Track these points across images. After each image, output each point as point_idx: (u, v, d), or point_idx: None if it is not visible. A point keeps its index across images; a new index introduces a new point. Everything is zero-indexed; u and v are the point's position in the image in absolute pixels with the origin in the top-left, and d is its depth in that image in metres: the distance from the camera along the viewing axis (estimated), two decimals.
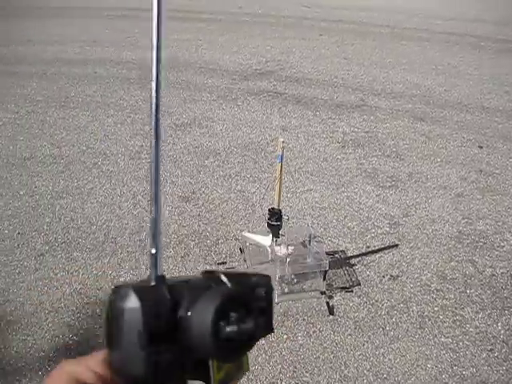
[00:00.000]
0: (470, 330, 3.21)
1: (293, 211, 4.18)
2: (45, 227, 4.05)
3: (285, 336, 3.11)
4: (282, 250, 3.28)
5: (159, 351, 0.58)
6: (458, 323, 3.25)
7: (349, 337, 3.12)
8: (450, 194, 4.62)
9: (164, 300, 0.59)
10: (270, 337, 3.08)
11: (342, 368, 2.92)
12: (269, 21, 10.74)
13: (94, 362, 0.62)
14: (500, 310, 3.36)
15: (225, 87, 6.95)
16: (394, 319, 3.26)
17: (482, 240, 4.04)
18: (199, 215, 4.22)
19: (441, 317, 3.29)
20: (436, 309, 3.35)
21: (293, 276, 3.45)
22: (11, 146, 5.25)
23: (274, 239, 3.31)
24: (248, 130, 5.74)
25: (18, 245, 3.84)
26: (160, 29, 0.62)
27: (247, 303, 0.61)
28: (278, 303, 3.32)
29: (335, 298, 3.40)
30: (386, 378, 2.86)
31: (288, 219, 3.30)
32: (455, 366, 2.96)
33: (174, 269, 3.61)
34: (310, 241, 3.35)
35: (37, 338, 3.02)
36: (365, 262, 3.75)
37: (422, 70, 7.91)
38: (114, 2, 11.95)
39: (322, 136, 5.64)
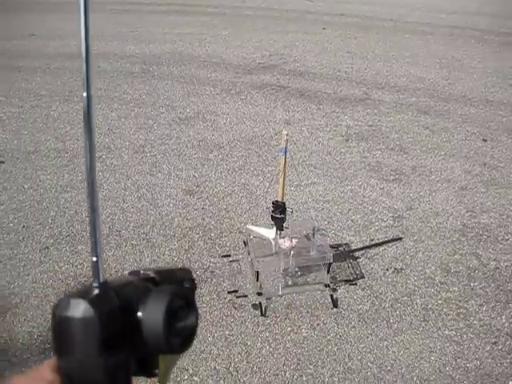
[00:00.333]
0: (474, 322, 3.21)
1: (297, 204, 4.19)
2: (49, 221, 4.06)
3: (289, 328, 3.12)
4: (285, 243, 3.28)
5: (115, 354, 0.59)
6: (461, 316, 3.25)
7: (353, 329, 3.13)
8: (454, 188, 4.62)
9: (114, 305, 0.60)
10: (275, 329, 3.09)
11: (346, 360, 2.93)
12: (272, 15, 10.72)
13: (45, 371, 0.62)
14: (504, 303, 3.36)
15: (228, 81, 6.94)
16: (397, 312, 3.26)
17: (485, 233, 4.04)
18: (203, 208, 4.23)
19: (445, 310, 3.30)
20: (440, 302, 3.36)
21: (297, 269, 3.46)
22: (16, 140, 5.26)
23: (278, 232, 3.31)
24: (252, 123, 5.74)
25: (23, 238, 3.85)
26: (87, 27, 0.63)
27: (189, 298, 0.66)
28: (281, 296, 3.33)
29: (339, 291, 3.41)
30: (389, 370, 2.87)
31: (292, 212, 3.29)
32: (459, 358, 2.96)
33: (178, 262, 3.62)
34: (313, 234, 3.35)
35: (42, 330, 3.03)
36: (369, 255, 3.75)
37: (425, 63, 7.89)
38: None
39: (325, 129, 5.64)
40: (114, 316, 0.59)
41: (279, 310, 3.25)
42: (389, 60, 7.98)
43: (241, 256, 3.69)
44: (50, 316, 0.63)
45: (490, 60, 8.14)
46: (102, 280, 0.63)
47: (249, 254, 3.53)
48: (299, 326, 3.13)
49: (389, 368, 2.88)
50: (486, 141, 5.49)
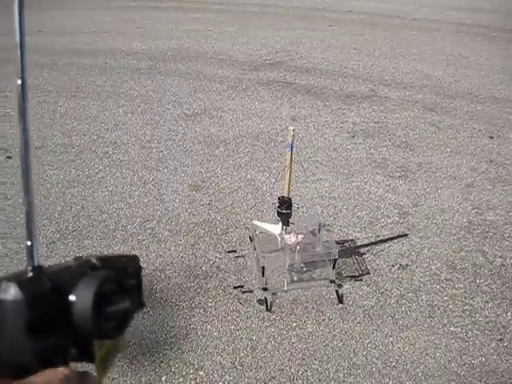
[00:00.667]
0: (480, 319, 3.21)
1: (302, 200, 4.19)
2: (56, 215, 4.08)
3: (294, 324, 3.12)
4: (291, 239, 3.28)
5: (45, 338, 0.59)
6: (467, 313, 3.25)
7: (358, 325, 3.13)
8: (460, 185, 4.61)
9: (45, 289, 0.60)
10: (280, 324, 3.10)
11: (351, 356, 2.93)
12: (278, 11, 10.72)
13: None
14: (510, 299, 3.36)
15: (235, 77, 6.95)
16: (403, 308, 3.27)
17: (491, 230, 4.04)
18: (209, 204, 4.24)
19: (450, 306, 3.30)
20: (445, 298, 3.36)
21: (302, 264, 3.46)
22: None
23: (284, 228, 3.31)
24: (258, 119, 5.74)
25: None
26: (22, 12, 0.64)
27: (122, 283, 0.65)
28: (287, 291, 3.34)
29: (344, 287, 3.41)
30: (394, 366, 2.87)
31: (298, 208, 3.30)
32: (464, 355, 2.96)
33: (184, 257, 3.63)
34: (319, 229, 3.35)
35: None
36: (374, 251, 3.75)
37: (432, 60, 7.88)
38: None
39: (331, 126, 5.64)
40: (43, 299, 0.59)
41: (285, 305, 3.26)
42: (395, 57, 7.97)
43: (247, 251, 3.69)
44: None
45: (497, 57, 8.12)
46: (36, 264, 0.62)
47: (255, 249, 3.53)
48: (304, 322, 3.14)
49: (394, 364, 2.88)
50: (492, 138, 5.48)
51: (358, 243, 3.83)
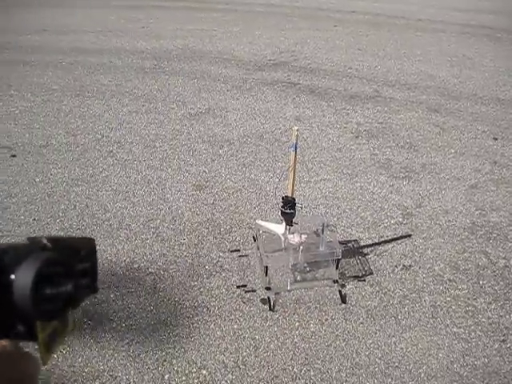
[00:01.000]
0: (483, 320, 3.21)
1: (306, 200, 4.19)
2: (60, 214, 4.09)
3: (297, 323, 3.13)
4: (295, 239, 3.28)
5: None
6: (470, 314, 3.25)
7: (361, 325, 3.14)
8: (464, 186, 4.61)
9: None
10: (283, 324, 3.11)
11: (354, 356, 2.94)
12: (283, 11, 10.72)
13: None
14: None
15: (239, 77, 6.95)
16: (406, 308, 3.27)
17: (495, 231, 4.03)
18: (213, 203, 4.24)
19: (453, 307, 3.30)
20: (448, 299, 3.36)
21: (305, 264, 3.47)
22: (27, 134, 5.30)
23: (288, 227, 3.32)
24: (262, 119, 5.75)
25: (34, 231, 3.88)
26: None
27: (68, 266, 0.65)
28: (290, 291, 3.34)
29: (348, 287, 3.42)
30: (397, 366, 2.88)
31: (301, 208, 3.30)
32: (467, 355, 2.96)
33: (187, 256, 3.64)
34: (323, 230, 3.36)
35: None
36: (377, 252, 3.76)
37: (436, 61, 7.87)
38: None
39: (335, 126, 5.64)
40: None
41: (288, 305, 3.26)
42: (400, 57, 7.96)
43: (250, 251, 3.70)
44: None
45: (502, 58, 8.10)
46: None
47: (258, 249, 3.54)
48: (307, 321, 3.14)
49: (396, 364, 2.89)
50: (496, 139, 5.47)
51: (362, 243, 3.83)
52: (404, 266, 3.63)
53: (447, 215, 4.20)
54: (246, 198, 4.32)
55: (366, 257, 3.70)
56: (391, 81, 7.00)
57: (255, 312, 3.20)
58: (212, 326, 3.10)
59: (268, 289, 3.30)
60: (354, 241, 3.85)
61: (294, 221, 3.32)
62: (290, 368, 2.84)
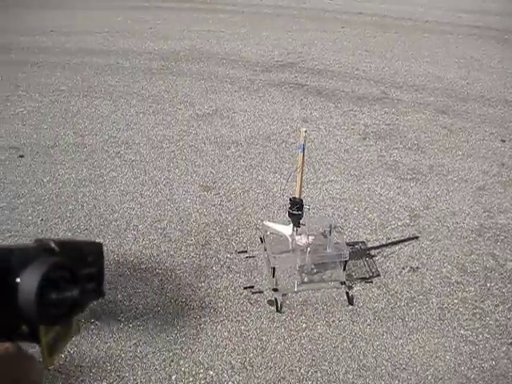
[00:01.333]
0: (490, 322, 3.20)
1: (313, 202, 4.19)
2: (68, 214, 4.10)
3: (304, 325, 3.13)
4: (302, 240, 3.29)
5: None
6: (477, 316, 3.25)
7: (368, 327, 3.13)
8: (472, 188, 4.60)
9: None
10: (290, 325, 3.11)
11: (361, 358, 2.93)
12: (291, 13, 10.72)
13: None
14: None
15: (246, 78, 6.96)
16: (413, 310, 3.26)
17: (503, 234, 4.02)
18: (220, 204, 4.25)
19: (460, 309, 3.29)
20: (456, 301, 3.35)
21: (313, 266, 3.47)
22: (35, 135, 5.32)
23: (295, 229, 3.32)
24: (269, 121, 5.75)
25: (42, 231, 3.90)
26: None
27: (74, 271, 0.65)
28: (297, 292, 3.34)
29: (355, 289, 3.41)
30: (404, 368, 2.87)
31: (309, 209, 3.30)
32: (474, 358, 2.96)
33: (195, 257, 3.65)
34: (330, 231, 3.36)
35: None
36: (385, 254, 3.75)
37: (444, 62, 7.85)
38: None
39: (343, 128, 5.64)
40: None
41: (295, 306, 3.26)
42: (407, 59, 7.95)
43: (257, 252, 3.70)
44: None
45: (510, 60, 8.08)
46: None
47: (265, 250, 3.54)
48: (314, 323, 3.14)
49: (403, 366, 2.88)
50: (504, 141, 5.46)
51: (369, 245, 3.83)
52: (411, 267, 3.62)
53: (455, 217, 4.19)
54: (253, 199, 4.33)
55: (373, 258, 3.69)
56: (399, 82, 6.99)
57: (262, 313, 3.20)
58: (219, 326, 3.10)
59: (275, 290, 3.30)
60: (361, 242, 3.84)
61: (301, 222, 3.32)
62: (297, 369, 2.84)
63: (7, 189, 4.41)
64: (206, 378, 2.78)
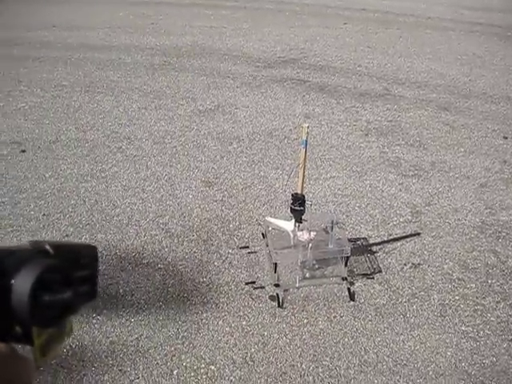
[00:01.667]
0: (491, 319, 3.21)
1: (315, 198, 4.19)
2: (70, 209, 4.11)
3: (305, 320, 3.14)
4: (304, 236, 3.29)
5: None
6: (479, 312, 3.25)
7: (369, 323, 3.14)
8: (474, 184, 4.60)
9: None
10: (291, 321, 3.11)
11: (362, 353, 2.94)
12: (293, 9, 10.69)
13: None
14: None
15: (249, 74, 6.95)
16: (414, 307, 3.27)
17: (504, 230, 4.02)
18: (222, 200, 4.25)
19: (462, 306, 3.29)
20: (457, 298, 3.35)
21: (314, 261, 3.47)
22: (37, 130, 5.32)
23: (297, 224, 3.32)
24: (271, 116, 5.75)
25: (44, 226, 3.90)
26: None
27: (68, 273, 0.65)
28: (299, 288, 3.35)
29: (356, 284, 3.42)
30: (405, 364, 2.88)
31: (311, 205, 3.31)
32: (475, 354, 2.96)
33: (196, 252, 3.65)
34: (332, 227, 3.36)
35: None
36: (386, 250, 3.75)
37: (446, 59, 7.84)
38: None
39: (345, 124, 5.63)
40: None
41: (296, 301, 3.27)
42: (410, 55, 7.94)
43: (259, 248, 3.71)
44: None
45: None
46: None
47: (267, 245, 3.55)
48: (316, 318, 3.15)
49: (405, 362, 2.89)
50: (506, 138, 5.45)
51: (371, 241, 3.83)
52: (413, 264, 3.63)
53: (456, 214, 4.19)
54: (255, 195, 4.33)
55: (375, 254, 3.70)
56: (401, 79, 6.98)
57: (264, 309, 3.20)
58: (221, 322, 3.10)
59: (277, 286, 3.30)
60: (362, 238, 3.85)
61: (303, 218, 3.32)
62: (299, 365, 2.85)
63: (9, 184, 4.41)
64: (207, 373, 2.79)
